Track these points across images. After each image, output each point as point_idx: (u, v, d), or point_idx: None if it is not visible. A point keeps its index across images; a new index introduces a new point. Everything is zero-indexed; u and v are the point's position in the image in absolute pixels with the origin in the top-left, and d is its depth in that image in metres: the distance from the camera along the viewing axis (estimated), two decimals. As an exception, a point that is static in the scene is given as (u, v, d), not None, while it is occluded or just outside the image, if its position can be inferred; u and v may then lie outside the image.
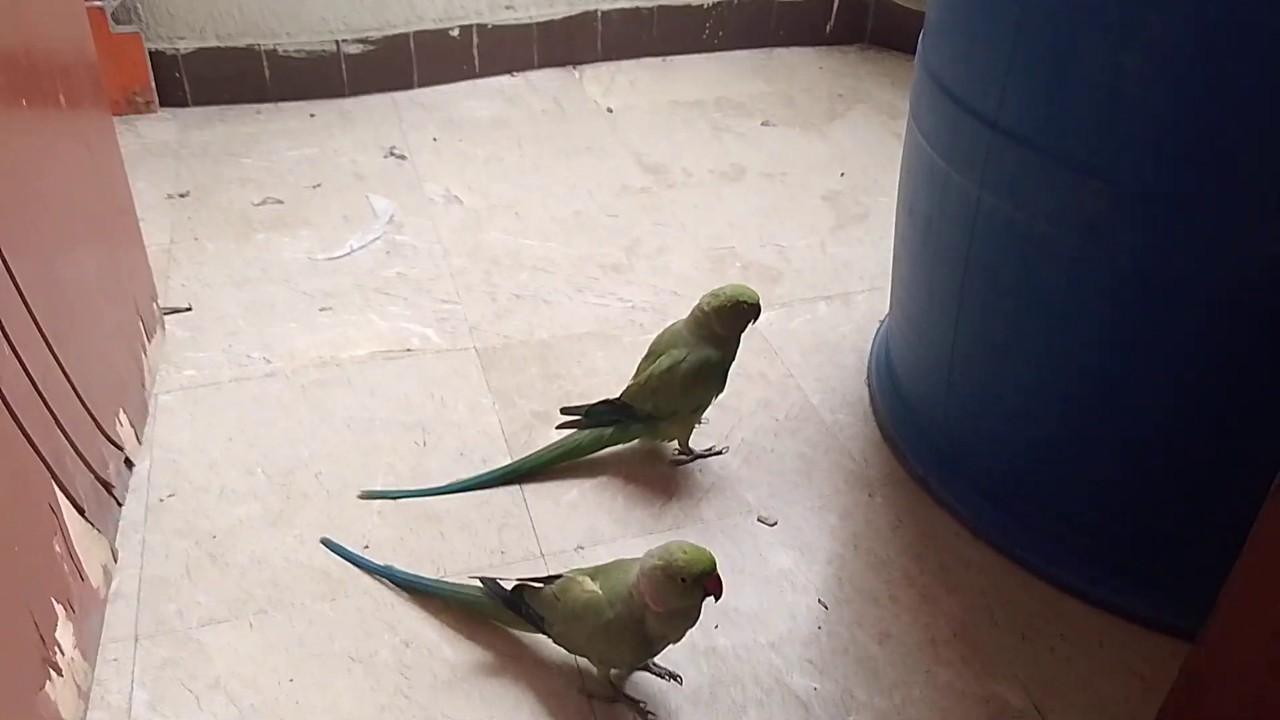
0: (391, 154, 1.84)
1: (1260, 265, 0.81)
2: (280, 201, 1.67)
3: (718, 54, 2.33)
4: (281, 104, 2.00)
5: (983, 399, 1.07)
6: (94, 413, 1.01)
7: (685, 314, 1.14)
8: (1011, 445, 1.06)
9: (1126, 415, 0.95)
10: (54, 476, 0.88)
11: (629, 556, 0.91)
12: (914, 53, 1.10)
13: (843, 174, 1.56)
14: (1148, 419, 0.94)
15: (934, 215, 1.04)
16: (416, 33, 2.05)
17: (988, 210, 0.94)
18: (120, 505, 1.08)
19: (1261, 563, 0.69)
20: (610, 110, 2.06)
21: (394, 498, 1.12)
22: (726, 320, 1.10)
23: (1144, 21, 0.78)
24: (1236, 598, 0.72)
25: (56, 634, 0.84)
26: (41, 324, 0.89)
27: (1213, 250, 0.82)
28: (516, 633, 0.97)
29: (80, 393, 0.98)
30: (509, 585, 0.94)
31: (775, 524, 1.12)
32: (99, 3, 1.81)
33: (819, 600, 1.03)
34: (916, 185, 1.08)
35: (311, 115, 1.97)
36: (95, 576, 0.96)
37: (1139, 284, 0.87)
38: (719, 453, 1.20)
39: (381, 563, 1.04)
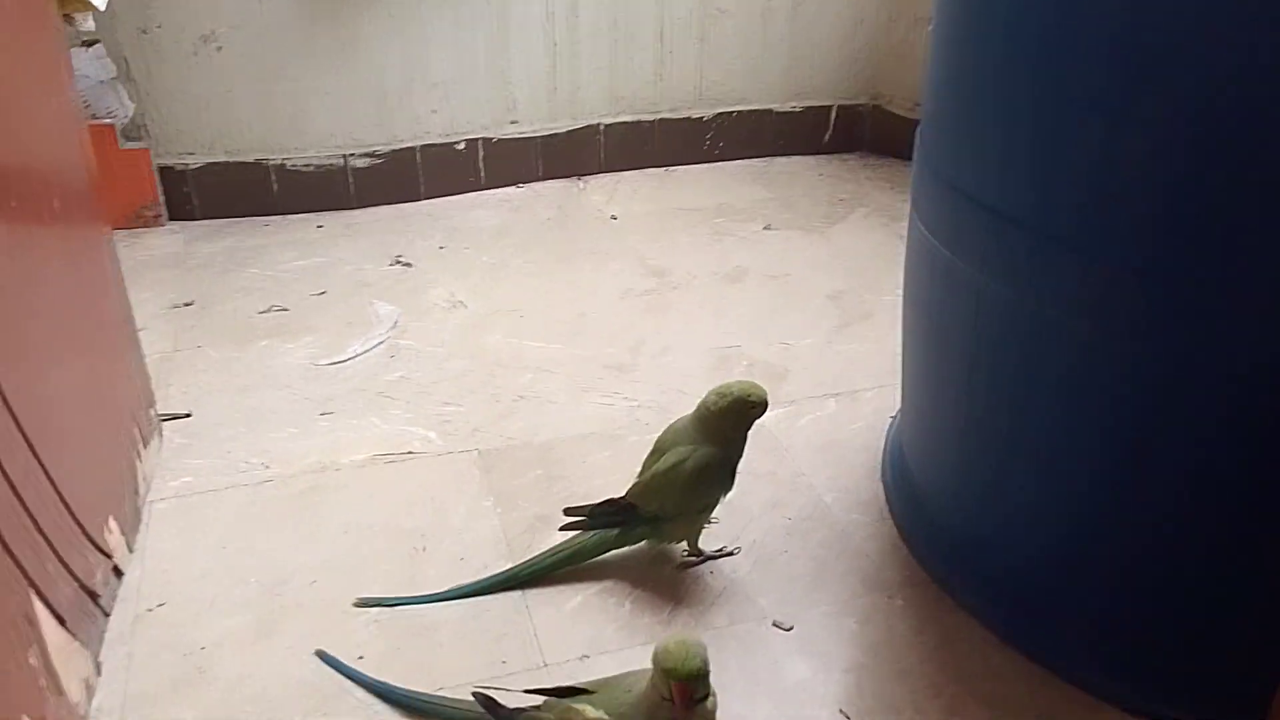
0: (397, 262, 1.85)
1: (1271, 348, 0.78)
2: (284, 309, 1.67)
3: (718, 164, 2.37)
4: (289, 216, 2.02)
5: (996, 494, 1.03)
6: (81, 520, 0.98)
7: (690, 411, 1.12)
8: (1030, 543, 1.02)
9: (1145, 509, 0.90)
10: (32, 585, 0.84)
11: (636, 668, 0.85)
12: (911, 159, 1.11)
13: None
14: (1168, 513, 0.89)
15: (939, 306, 1.02)
16: (423, 146, 2.09)
17: (991, 297, 0.92)
18: (107, 615, 1.04)
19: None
20: (614, 217, 2.08)
21: (390, 605, 1.08)
22: (732, 417, 1.07)
23: (1139, 104, 0.78)
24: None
25: (28, 756, 0.79)
26: (26, 431, 0.87)
27: (1222, 332, 0.80)
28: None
29: (66, 499, 0.94)
30: (509, 700, 0.88)
31: (791, 629, 1.06)
32: (109, 120, 1.85)
33: (840, 711, 0.97)
34: (920, 277, 1.07)
35: (319, 226, 1.99)
36: (75, 691, 0.91)
37: (1147, 369, 0.84)
38: (729, 554, 1.16)
39: (377, 677, 0.98)
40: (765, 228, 2.04)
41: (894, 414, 1.38)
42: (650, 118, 2.29)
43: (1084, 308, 0.85)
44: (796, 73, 2.34)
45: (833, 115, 2.39)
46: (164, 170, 1.94)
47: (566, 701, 0.85)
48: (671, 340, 1.61)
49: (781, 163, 2.39)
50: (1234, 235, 0.77)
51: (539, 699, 0.87)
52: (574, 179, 2.28)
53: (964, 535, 1.10)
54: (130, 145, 1.87)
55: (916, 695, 0.99)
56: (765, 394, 1.08)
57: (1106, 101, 0.80)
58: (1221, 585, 0.90)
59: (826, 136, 2.41)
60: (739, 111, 2.34)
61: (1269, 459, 0.82)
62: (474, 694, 0.91)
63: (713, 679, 0.80)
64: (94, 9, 1.22)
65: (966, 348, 0.99)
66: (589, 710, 0.83)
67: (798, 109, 2.37)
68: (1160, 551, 0.92)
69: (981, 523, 1.07)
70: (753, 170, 2.35)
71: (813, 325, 1.66)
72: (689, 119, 2.32)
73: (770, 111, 2.36)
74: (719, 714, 0.81)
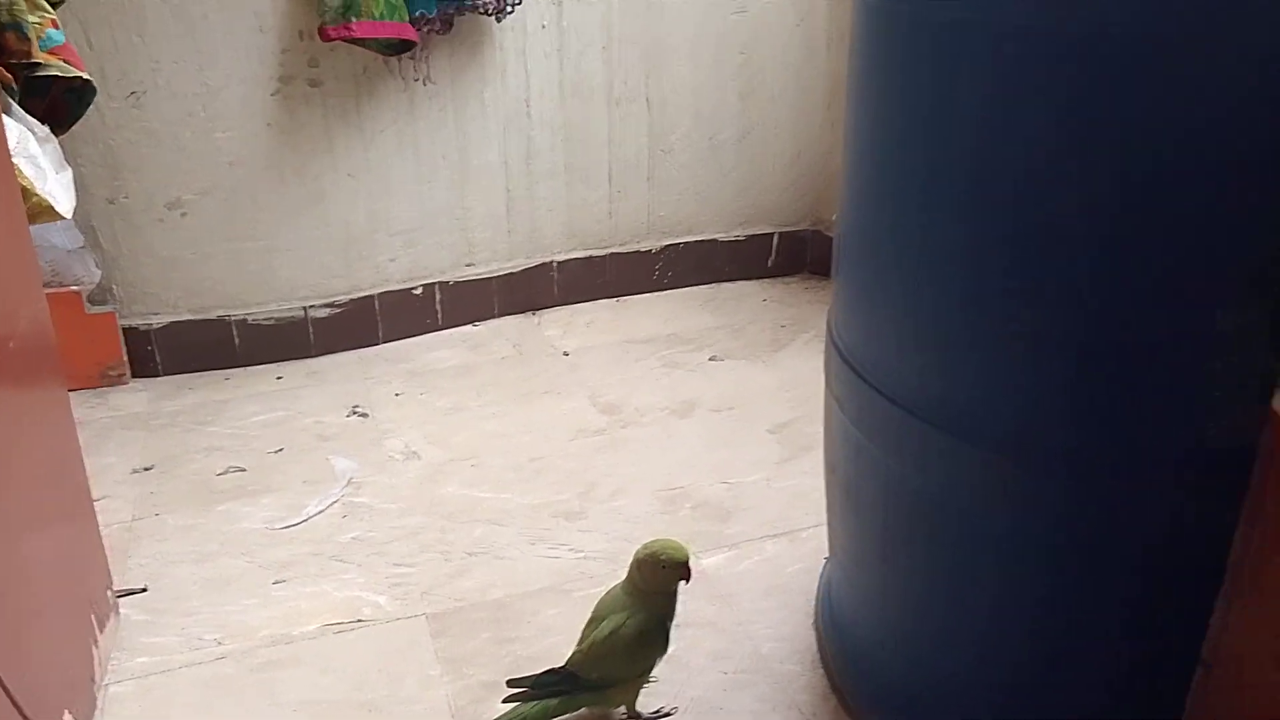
0: (354, 413, 1.91)
1: (1157, 528, 0.85)
2: (243, 469, 1.72)
3: (668, 291, 2.46)
4: (250, 368, 2.09)
5: (916, 653, 1.09)
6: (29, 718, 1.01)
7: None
8: (949, 698, 1.07)
9: (1063, 663, 0.96)
10: (-15, 802, 0.87)
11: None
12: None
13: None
14: (1083, 666, 0.95)
15: (852, 476, 1.09)
16: (382, 294, 2.17)
17: (899, 479, 0.99)
18: (60, 813, 1.06)
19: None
20: (567, 354, 2.16)
21: (341, 785, 1.11)
22: (655, 579, 1.12)
23: (1027, 300, 0.85)
24: None
25: None
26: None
27: (1114, 514, 0.86)
28: None
29: (15, 700, 0.98)
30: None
31: (728, 789, 1.10)
32: (76, 287, 1.92)
33: None
34: (835, 445, 1.14)
35: (279, 377, 2.05)
36: None
37: (1058, 548, 0.90)
38: (668, 715, 1.20)
39: None
40: (711, 358, 2.12)
41: (826, 555, 1.44)
42: (602, 252, 2.39)
43: (982, 495, 0.92)
44: (741, 203, 2.45)
45: (775, 241, 2.50)
46: (128, 330, 2.01)
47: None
48: (622, 482, 1.67)
49: (729, 288, 2.48)
50: (1121, 427, 0.84)
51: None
52: (530, 313, 2.36)
53: (891, 685, 1.14)
54: (96, 310, 1.94)
55: None
56: (683, 553, 1.12)
57: (992, 308, 0.87)
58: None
59: (770, 261, 2.51)
60: (686, 242, 2.45)
61: (1149, 623, 0.88)
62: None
63: None
64: (61, 217, 1.30)
65: (879, 520, 1.05)
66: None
67: (742, 237, 2.48)
68: (1067, 695, 0.97)
69: (905, 676, 1.12)
70: (701, 296, 2.44)
71: (757, 461, 1.73)
72: (639, 251, 2.42)
73: (716, 240, 2.47)
74: None
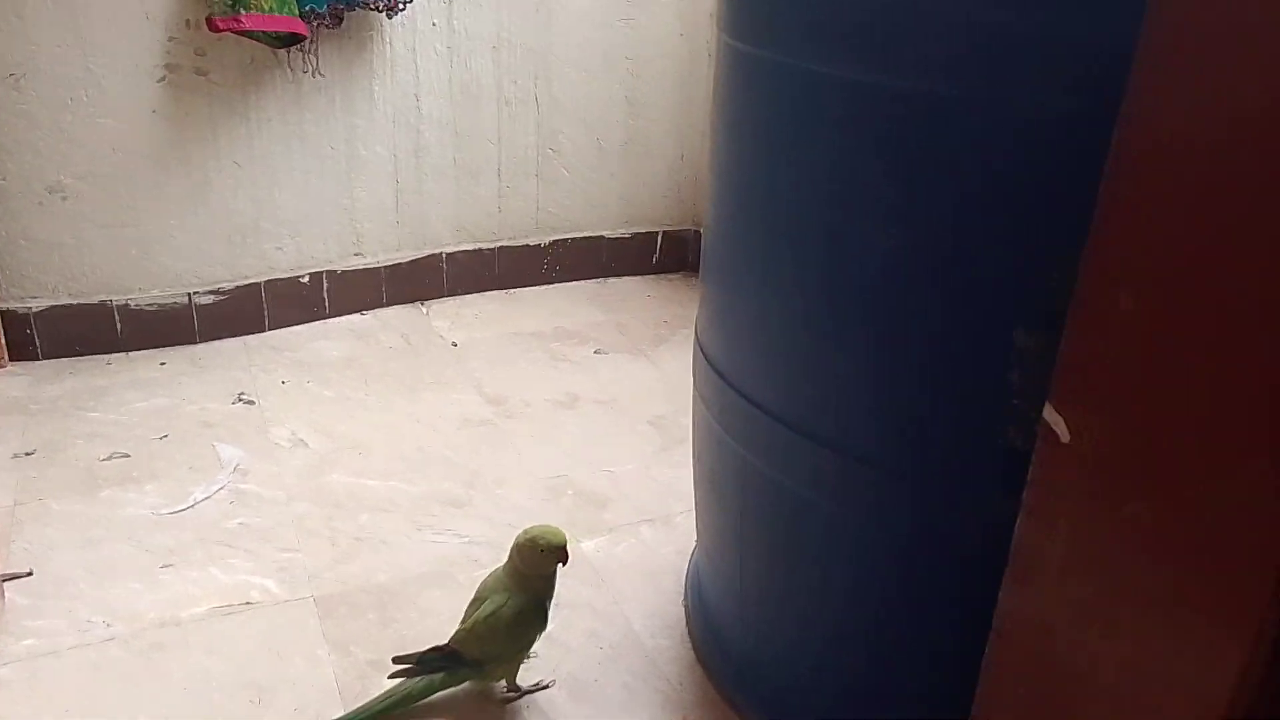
0: (240, 399, 1.94)
1: (975, 524, 0.98)
2: (127, 455, 1.73)
3: (556, 285, 2.55)
4: (133, 354, 2.08)
5: (769, 631, 1.20)
6: (-77, 703, 1.04)
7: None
8: (798, 671, 1.19)
9: (905, 648, 1.08)
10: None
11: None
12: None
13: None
14: (918, 660, 1.07)
15: (715, 468, 1.20)
16: (268, 281, 2.19)
17: (755, 472, 1.10)
18: (-54, 793, 1.09)
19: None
20: (454, 344, 2.22)
21: (229, 759, 1.17)
22: (534, 562, 1.21)
23: (854, 317, 0.97)
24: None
25: None
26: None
27: (936, 511, 0.99)
28: None
29: (-90, 686, 1.01)
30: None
31: (598, 754, 1.20)
32: (-50, 270, 1.88)
33: (635, 829, 1.11)
34: (700, 439, 1.25)
35: (162, 364, 2.05)
36: None
37: (888, 542, 1.02)
38: (546, 687, 1.29)
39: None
40: (596, 352, 2.21)
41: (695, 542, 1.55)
42: (491, 245, 2.46)
43: (826, 491, 1.03)
44: (626, 202, 2.55)
45: (660, 240, 2.61)
46: (6, 313, 1.98)
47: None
48: (506, 472, 1.75)
49: (614, 283, 2.58)
50: (935, 434, 0.96)
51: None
52: (418, 304, 2.41)
53: (745, 658, 1.26)
54: (-30, 293, 1.91)
55: (703, 809, 1.14)
56: (560, 538, 1.21)
57: (824, 324, 0.99)
58: (959, 698, 1.08)
59: (655, 258, 2.62)
60: (574, 238, 2.53)
61: (987, 595, 1.01)
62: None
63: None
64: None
65: (737, 510, 1.16)
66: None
67: (628, 234, 2.58)
68: (907, 676, 1.10)
69: (759, 651, 1.24)
70: (588, 291, 2.53)
71: (635, 451, 1.83)
72: (528, 245, 2.49)
73: (603, 237, 2.56)
74: None
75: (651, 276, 2.62)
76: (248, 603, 1.41)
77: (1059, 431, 0.72)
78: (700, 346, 1.21)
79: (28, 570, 1.44)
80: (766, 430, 1.05)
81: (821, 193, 0.96)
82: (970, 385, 0.91)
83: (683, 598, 1.46)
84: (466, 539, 1.57)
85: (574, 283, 2.56)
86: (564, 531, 1.23)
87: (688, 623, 1.41)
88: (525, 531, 1.23)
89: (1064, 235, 0.84)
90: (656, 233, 2.60)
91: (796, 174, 0.98)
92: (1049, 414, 0.73)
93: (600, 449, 1.84)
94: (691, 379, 1.27)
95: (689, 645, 1.38)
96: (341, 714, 1.22)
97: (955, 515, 0.98)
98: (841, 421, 0.99)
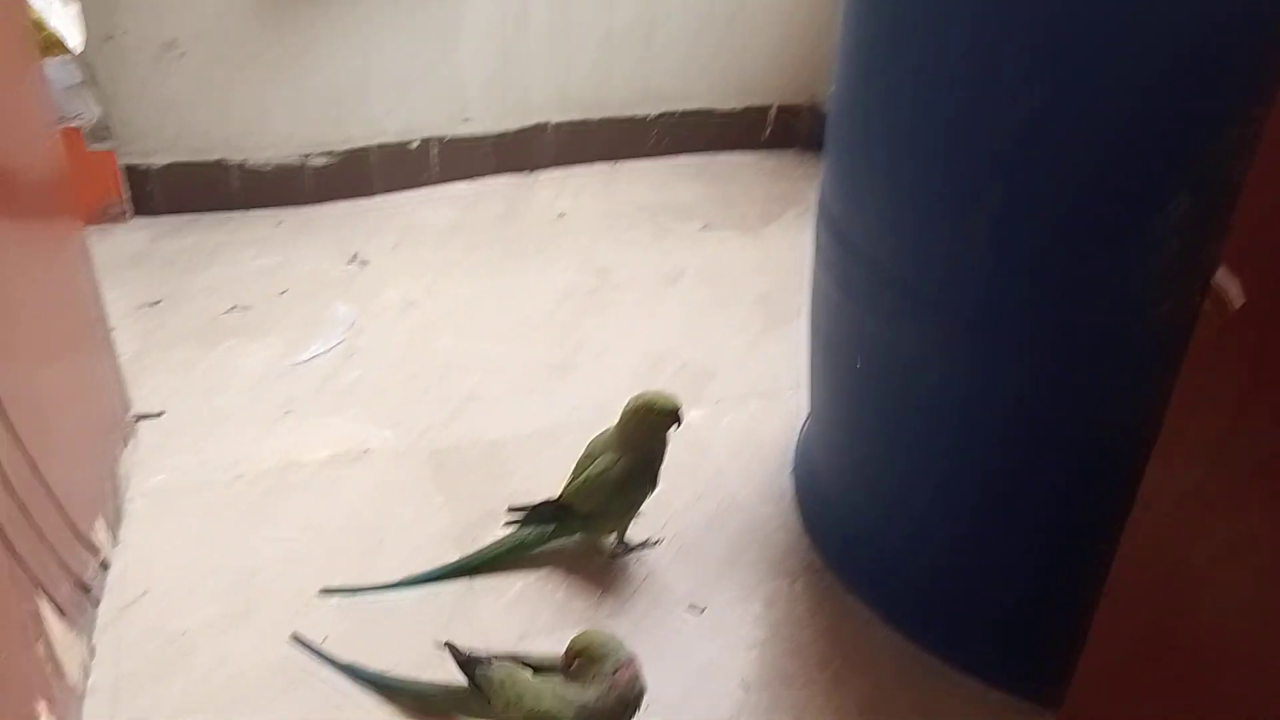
0: (354, 260, 1.96)
1: (1106, 398, 0.94)
2: (247, 308, 1.78)
3: (663, 158, 2.49)
4: (249, 212, 2.12)
5: (883, 500, 1.19)
6: (74, 522, 1.10)
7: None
8: (914, 543, 1.18)
9: (1011, 526, 1.06)
10: (38, 585, 0.97)
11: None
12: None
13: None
14: (1028, 530, 1.05)
15: (832, 334, 1.17)
16: (378, 145, 2.19)
17: (873, 337, 1.07)
18: (97, 606, 1.16)
19: (1096, 656, 0.82)
20: (561, 215, 2.20)
21: (351, 594, 1.22)
22: (646, 427, 1.21)
23: (993, 177, 0.92)
24: (1085, 675, 0.84)
25: (37, 730, 0.92)
26: (24, 439, 0.99)
27: (1064, 384, 0.95)
28: (465, 720, 1.06)
29: (62, 504, 1.07)
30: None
31: (704, 612, 1.22)
32: (76, 122, 1.93)
33: (741, 683, 1.13)
34: (819, 306, 1.22)
35: (279, 223, 2.09)
36: (73, 674, 1.04)
37: (1011, 414, 0.99)
38: (653, 545, 1.31)
39: (341, 657, 1.12)
40: (703, 227, 2.17)
41: (807, 414, 1.54)
42: (596, 116, 2.41)
43: (947, 355, 1.00)
44: (738, 73, 2.46)
45: (772, 114, 2.52)
46: (129, 169, 2.02)
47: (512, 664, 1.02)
48: (610, 342, 1.75)
49: (723, 158, 2.51)
50: (1043, 297, 0.91)
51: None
52: (524, 173, 2.39)
53: (855, 528, 1.26)
54: (97, 146, 1.96)
55: (808, 667, 1.15)
56: (673, 403, 1.21)
57: (962, 185, 0.94)
58: (1061, 587, 1.06)
59: (765, 133, 2.54)
60: (682, 110, 2.46)
61: (1095, 475, 0.98)
62: (445, 644, 1.06)
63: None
64: (70, 51, 1.31)
65: (853, 376, 1.14)
66: (530, 673, 0.99)
67: (738, 108, 2.50)
68: (1014, 556, 1.08)
69: (870, 519, 1.23)
70: (695, 166, 2.48)
71: (741, 328, 1.81)
72: (634, 117, 2.44)
73: (712, 110, 2.48)
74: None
75: (761, 152, 2.54)
76: (365, 451, 1.45)
77: (1231, 296, 0.67)
78: (824, 211, 1.16)
79: (160, 411, 1.51)
80: (891, 297, 1.02)
81: (958, 46, 0.89)
82: (1121, 256, 0.86)
83: (790, 469, 1.45)
84: (573, 404, 1.58)
85: (681, 156, 2.50)
86: (677, 398, 1.22)
87: (795, 494, 1.41)
88: (638, 395, 1.23)
89: (1246, 87, 0.77)
90: (768, 106, 2.52)
91: (930, 29, 0.91)
92: (1221, 277, 0.68)
93: (705, 324, 1.82)
94: (807, 256, 1.23)
95: (795, 515, 1.37)
96: (457, 558, 1.26)
97: (1087, 396, 0.94)
98: (971, 293, 0.95)
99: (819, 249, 1.20)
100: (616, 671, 0.96)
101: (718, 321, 1.82)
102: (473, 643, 1.15)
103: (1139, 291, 0.87)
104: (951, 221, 0.96)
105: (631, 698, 0.97)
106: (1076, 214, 0.88)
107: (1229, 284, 0.68)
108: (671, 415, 1.22)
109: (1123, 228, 0.86)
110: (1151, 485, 0.77)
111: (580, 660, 0.98)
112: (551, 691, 0.97)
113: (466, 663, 1.03)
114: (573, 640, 0.99)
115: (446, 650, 1.05)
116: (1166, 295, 0.85)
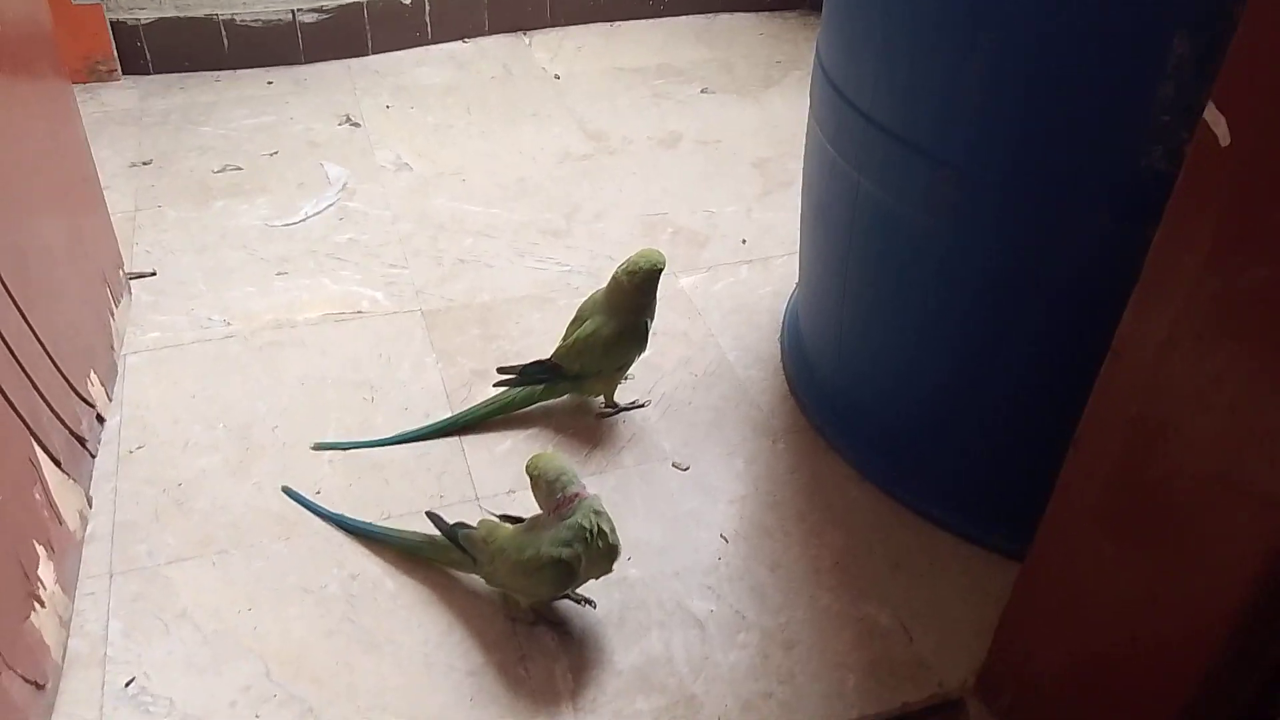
0: (346, 121, 1.93)
1: (1090, 249, 0.93)
2: (239, 168, 1.76)
3: (663, 19, 2.42)
4: (239, 71, 2.07)
5: (868, 361, 1.20)
6: (66, 374, 1.12)
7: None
8: (894, 401, 1.19)
9: (987, 381, 1.07)
10: (32, 433, 0.99)
11: None
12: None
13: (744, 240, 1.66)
14: (1004, 386, 1.06)
15: (824, 194, 1.16)
16: (370, 1, 2.12)
17: (865, 194, 1.06)
18: (93, 457, 1.19)
19: (1064, 502, 0.84)
20: (557, 77, 2.15)
21: (344, 448, 1.24)
22: (634, 286, 1.21)
23: (985, 22, 0.89)
24: (1051, 524, 0.87)
25: (39, 571, 0.96)
26: (13, 291, 1.00)
27: (1050, 234, 0.94)
28: (452, 572, 1.10)
29: (53, 355, 1.08)
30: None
31: (688, 469, 1.25)
32: (58, -26, 1.87)
33: (720, 535, 1.16)
34: (812, 165, 1.20)
35: (269, 83, 2.05)
36: (72, 521, 1.08)
37: (994, 266, 0.99)
38: (641, 405, 1.33)
39: (333, 509, 1.16)
40: (702, 91, 2.12)
41: (796, 282, 1.53)
42: (596, -27, 2.33)
43: (940, 211, 0.99)
44: (742, -72, 2.37)
45: (776, -28, 2.43)
46: (116, 25, 1.97)
47: (493, 519, 1.05)
48: (604, 206, 1.73)
49: (725, 19, 2.44)
50: (1063, 150, 0.90)
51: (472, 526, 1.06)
52: (520, 33, 2.33)
53: (838, 389, 1.27)
54: (82, 1, 1.90)
55: (785, 521, 1.18)
56: (659, 260, 1.21)
57: (957, 19, 0.91)
58: (1034, 446, 1.08)
59: (769, -6, 2.46)
60: (684, -33, 2.38)
61: (1085, 348, 0.99)
62: (427, 514, 1.10)
63: (617, 511, 1.02)
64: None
65: (845, 237, 1.13)
66: (508, 526, 1.02)
67: (742, -35, 2.41)
68: (991, 415, 1.10)
69: (854, 382, 1.24)
70: (696, 26, 2.40)
71: (737, 193, 1.79)
72: (635, -26, 2.36)
73: (715, -32, 2.40)
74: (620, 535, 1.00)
75: (764, 14, 2.46)
76: (359, 311, 1.46)
77: (1219, 133, 0.66)
78: (820, 64, 1.14)
79: (151, 270, 1.51)
80: (882, 148, 1.00)
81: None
82: (1113, 99, 0.84)
83: (778, 335, 1.46)
84: (566, 267, 1.58)
85: (681, 17, 2.42)
86: (664, 255, 1.22)
87: (782, 358, 1.42)
88: (629, 258, 1.23)
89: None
90: (773, -36, 2.43)
91: None
92: (1209, 114, 0.67)
93: (701, 189, 1.80)
94: (801, 120, 1.21)
95: (781, 378, 1.39)
96: (448, 415, 1.28)
97: (1070, 245, 0.93)
98: (960, 138, 0.94)
99: (814, 107, 1.18)
100: (560, 496, 0.99)
101: (713, 187, 1.80)
102: (463, 495, 1.19)
103: (1130, 137, 0.85)
104: (943, 66, 0.94)
105: (580, 525, 0.96)
106: (1069, 55, 0.85)
107: (1216, 122, 0.67)
108: (655, 271, 1.22)
109: (1117, 69, 0.84)
110: (1126, 331, 0.77)
111: (535, 482, 1.00)
112: (530, 540, 1.00)
113: (450, 531, 1.07)
114: (528, 461, 1.02)
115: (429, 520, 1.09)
116: (1158, 141, 0.84)
